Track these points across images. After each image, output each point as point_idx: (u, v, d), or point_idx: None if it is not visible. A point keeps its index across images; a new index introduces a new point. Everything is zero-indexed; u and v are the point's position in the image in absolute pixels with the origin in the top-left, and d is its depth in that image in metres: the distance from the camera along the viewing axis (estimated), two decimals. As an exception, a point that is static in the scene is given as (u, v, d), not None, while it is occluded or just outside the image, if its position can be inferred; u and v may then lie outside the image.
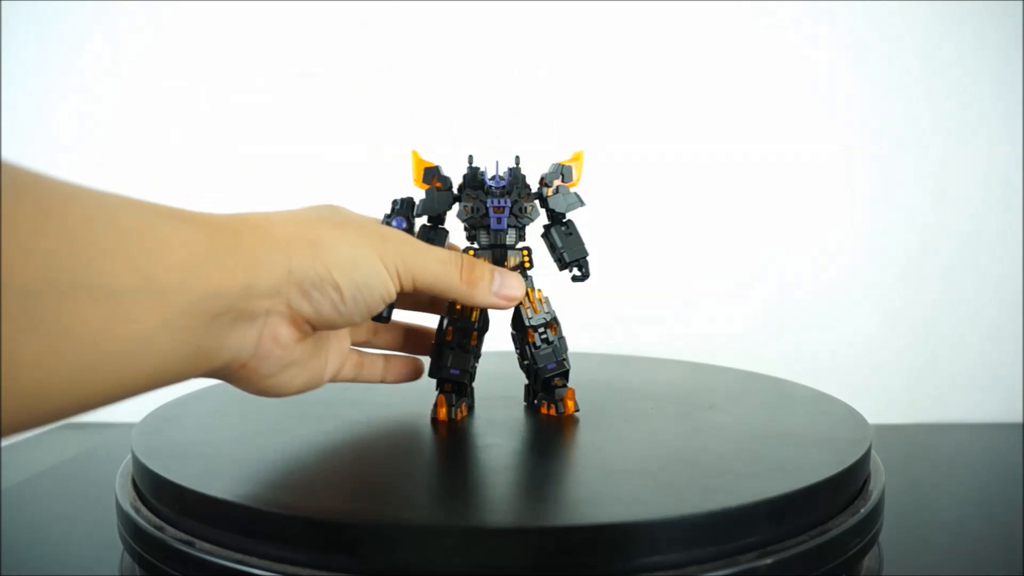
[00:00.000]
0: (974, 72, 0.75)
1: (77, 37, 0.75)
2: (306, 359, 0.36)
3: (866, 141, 0.76)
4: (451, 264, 0.38)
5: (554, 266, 0.45)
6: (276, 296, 0.32)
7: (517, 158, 0.43)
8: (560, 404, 0.44)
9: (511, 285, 0.40)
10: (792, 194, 0.77)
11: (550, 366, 0.44)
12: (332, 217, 0.36)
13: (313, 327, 0.35)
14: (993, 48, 0.75)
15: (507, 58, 0.76)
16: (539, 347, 0.43)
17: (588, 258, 0.44)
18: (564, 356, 0.44)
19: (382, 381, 0.44)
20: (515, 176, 0.43)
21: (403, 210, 0.43)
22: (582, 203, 0.44)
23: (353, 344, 0.44)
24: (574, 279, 0.44)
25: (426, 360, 0.45)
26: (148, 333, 0.27)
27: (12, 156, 0.25)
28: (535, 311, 0.43)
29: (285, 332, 0.34)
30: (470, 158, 0.44)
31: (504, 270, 0.41)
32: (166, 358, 0.29)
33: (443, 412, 0.43)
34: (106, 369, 0.26)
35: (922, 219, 0.77)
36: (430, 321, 0.45)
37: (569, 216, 0.44)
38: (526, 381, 0.47)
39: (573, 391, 0.44)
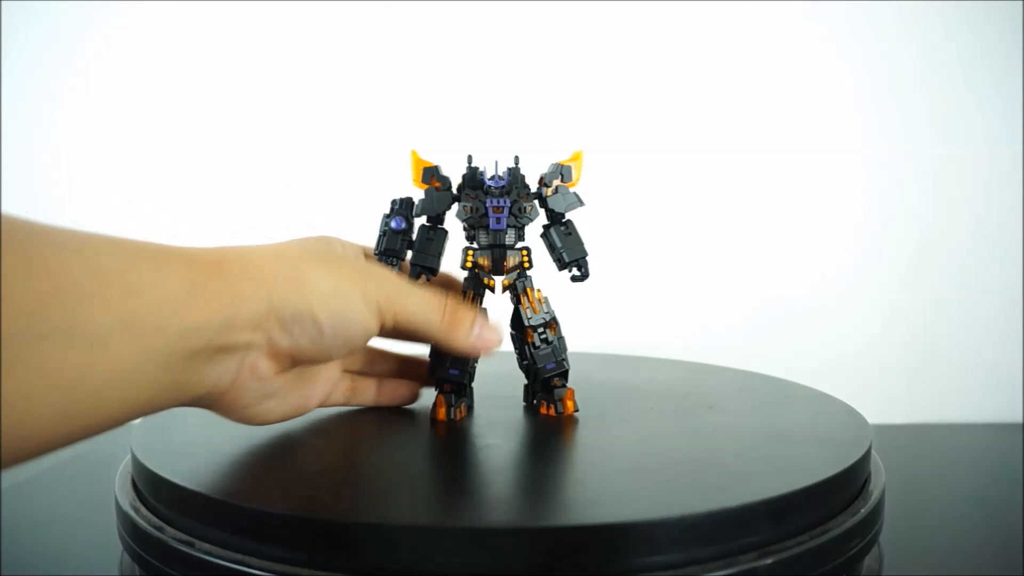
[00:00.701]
0: (974, 72, 0.75)
1: (76, 38, 0.75)
2: (287, 390, 0.37)
3: (867, 141, 0.76)
4: (434, 305, 0.38)
5: (554, 266, 0.45)
6: (257, 329, 0.33)
7: (516, 158, 0.43)
8: (559, 404, 0.44)
9: (490, 335, 0.40)
10: (792, 194, 0.77)
11: (549, 366, 0.43)
12: (318, 251, 0.37)
13: (293, 360, 0.35)
14: (993, 48, 0.75)
15: (508, 57, 0.76)
16: (538, 347, 0.43)
17: (587, 258, 0.44)
18: (563, 356, 0.44)
19: (375, 404, 0.45)
20: (514, 176, 0.43)
21: (402, 210, 0.43)
22: (581, 203, 0.44)
23: (348, 371, 0.44)
24: (573, 279, 0.44)
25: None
26: (125, 371, 0.28)
27: (11, 158, 0.26)
28: (534, 311, 0.43)
29: (264, 365, 0.34)
30: (469, 158, 0.43)
31: (486, 319, 0.41)
32: (143, 393, 0.29)
33: (442, 412, 0.43)
34: (84, 407, 0.27)
35: (922, 219, 0.77)
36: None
37: (568, 216, 0.44)
38: (525, 381, 0.47)
39: (572, 391, 0.44)
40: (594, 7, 0.75)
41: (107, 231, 0.29)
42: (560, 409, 0.44)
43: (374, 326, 0.36)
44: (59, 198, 0.75)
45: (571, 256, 0.44)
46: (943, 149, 0.76)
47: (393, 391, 0.45)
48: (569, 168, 0.43)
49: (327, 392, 0.41)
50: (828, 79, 0.76)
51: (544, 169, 0.44)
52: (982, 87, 0.75)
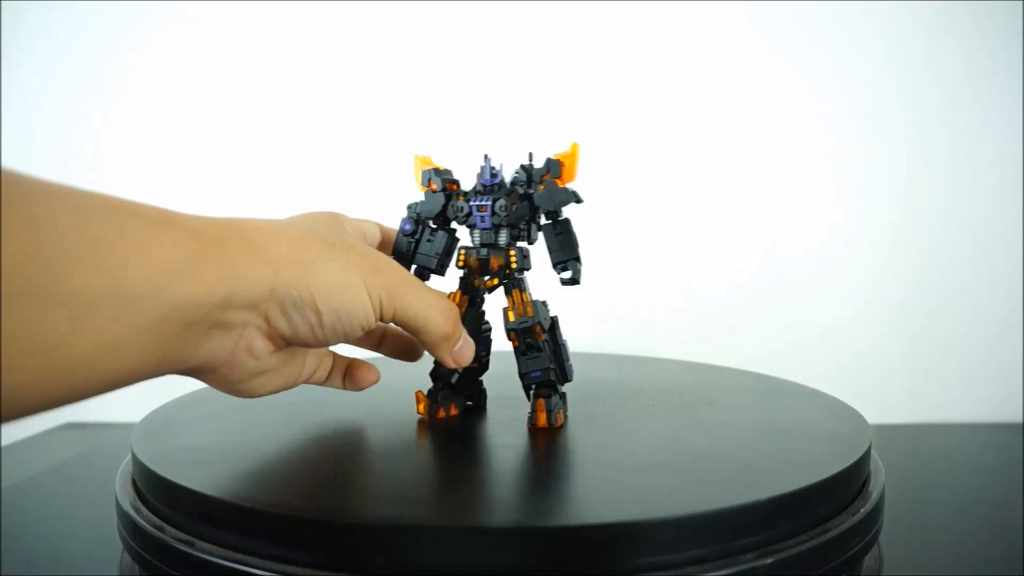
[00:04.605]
0: (974, 66, 0.75)
1: (85, 44, 0.75)
2: (279, 367, 0.36)
3: (867, 137, 0.76)
4: (434, 310, 0.38)
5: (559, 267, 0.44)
6: (255, 309, 0.32)
7: (486, 156, 0.42)
8: (532, 415, 0.42)
9: (464, 352, 0.40)
10: (790, 195, 0.77)
11: (534, 374, 0.42)
12: (327, 235, 0.36)
13: (288, 342, 0.35)
14: (991, 42, 0.75)
15: (509, 57, 0.76)
16: (524, 352, 0.42)
17: (579, 261, 0.41)
18: (550, 365, 0.42)
19: (343, 388, 0.43)
20: (497, 174, 0.42)
21: (413, 212, 0.43)
22: (578, 200, 0.41)
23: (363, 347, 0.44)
24: (562, 282, 0.42)
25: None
26: (114, 341, 0.27)
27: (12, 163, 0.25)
28: (518, 314, 0.41)
29: (260, 344, 0.34)
30: (486, 156, 0.43)
31: (468, 337, 0.40)
32: (133, 363, 0.28)
33: (420, 408, 0.43)
34: (67, 374, 0.26)
35: (924, 219, 0.77)
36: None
37: (566, 215, 0.42)
38: None
39: (541, 402, 0.42)
40: (595, 7, 0.75)
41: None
42: (532, 420, 0.42)
43: (373, 320, 0.36)
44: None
45: (558, 257, 0.41)
46: (944, 148, 0.76)
47: (359, 376, 0.43)
48: (557, 163, 0.41)
49: (315, 368, 0.40)
50: (822, 75, 0.76)
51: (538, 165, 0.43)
52: (983, 82, 0.75)
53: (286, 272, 0.33)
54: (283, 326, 0.34)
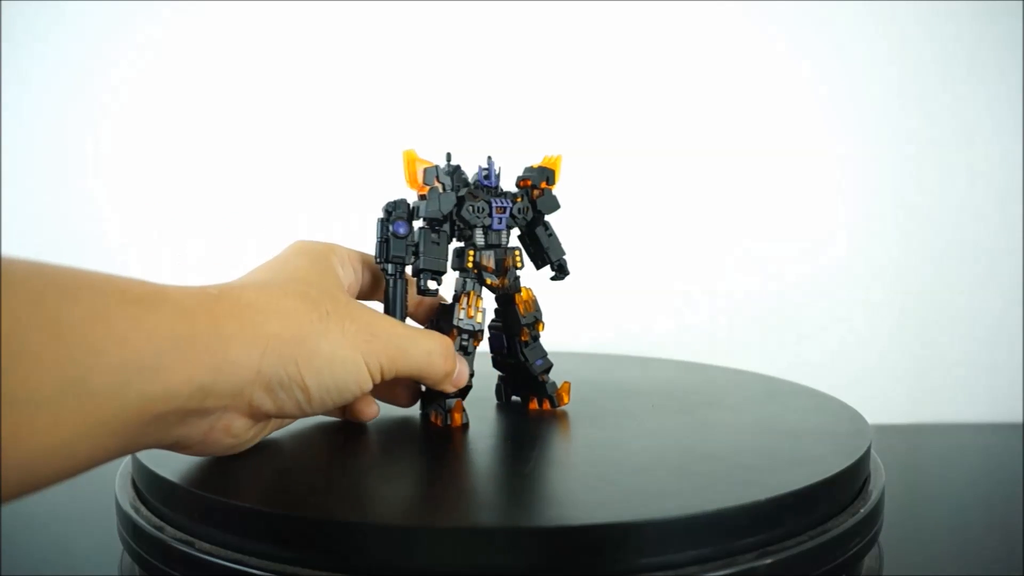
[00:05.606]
0: (973, 68, 0.75)
1: (86, 48, 0.75)
2: (256, 435, 0.36)
3: (865, 139, 0.76)
4: (436, 355, 0.38)
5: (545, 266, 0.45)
6: (238, 396, 0.32)
7: (489, 158, 0.43)
8: (555, 397, 0.45)
9: (463, 374, 0.40)
10: (788, 195, 0.77)
11: (538, 363, 0.44)
12: (321, 301, 0.34)
13: (272, 418, 0.35)
14: (992, 44, 0.75)
15: (498, 59, 0.76)
16: (530, 345, 0.44)
17: (565, 257, 0.45)
18: (546, 352, 0.45)
19: (343, 418, 0.43)
20: (498, 176, 0.43)
21: (401, 213, 0.41)
22: (559, 205, 0.45)
23: None
24: (553, 278, 0.45)
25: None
26: (68, 438, 0.26)
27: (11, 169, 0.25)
28: (528, 309, 0.44)
29: (240, 424, 0.33)
30: (448, 155, 0.43)
31: (462, 360, 0.40)
32: (93, 453, 0.27)
33: (459, 418, 0.42)
34: (19, 471, 0.25)
35: (923, 219, 0.77)
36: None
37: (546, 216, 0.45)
38: (496, 381, 0.47)
39: (568, 384, 0.45)
40: (590, 8, 0.75)
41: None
42: (556, 402, 0.45)
43: (368, 386, 0.36)
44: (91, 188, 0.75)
45: (555, 256, 0.44)
46: (944, 149, 0.76)
47: (361, 407, 0.42)
48: (552, 172, 0.44)
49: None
50: (820, 77, 0.76)
51: (519, 171, 0.44)
52: (982, 85, 0.75)
53: (274, 351, 0.32)
54: (267, 405, 0.33)
